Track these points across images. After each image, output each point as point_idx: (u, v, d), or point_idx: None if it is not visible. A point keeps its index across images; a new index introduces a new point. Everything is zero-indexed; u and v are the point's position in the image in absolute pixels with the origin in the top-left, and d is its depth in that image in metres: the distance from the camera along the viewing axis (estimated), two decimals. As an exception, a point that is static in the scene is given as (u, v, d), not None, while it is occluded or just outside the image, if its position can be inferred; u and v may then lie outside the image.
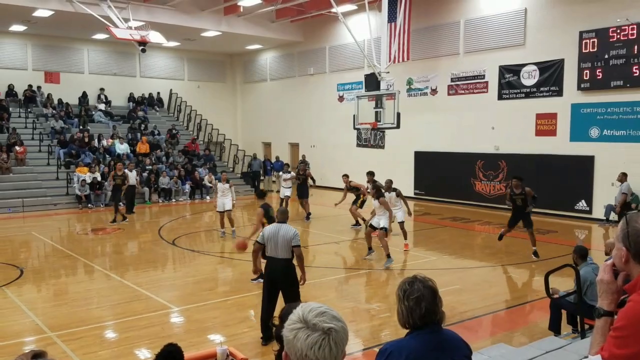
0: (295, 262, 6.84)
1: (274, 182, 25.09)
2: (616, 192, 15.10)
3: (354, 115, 15.72)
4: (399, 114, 14.36)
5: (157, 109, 27.64)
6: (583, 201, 16.59)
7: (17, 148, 20.58)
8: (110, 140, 22.97)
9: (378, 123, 14.90)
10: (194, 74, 29.09)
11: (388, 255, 11.14)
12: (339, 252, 12.70)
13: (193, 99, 28.10)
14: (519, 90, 17.95)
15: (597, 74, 15.85)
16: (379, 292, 9.73)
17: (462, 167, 19.41)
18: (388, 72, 15.66)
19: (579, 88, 16.35)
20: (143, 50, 18.13)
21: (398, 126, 14.66)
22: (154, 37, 18.22)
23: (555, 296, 6.66)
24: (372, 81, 15.21)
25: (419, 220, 15.98)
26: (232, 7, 22.02)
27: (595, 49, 15.79)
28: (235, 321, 7.86)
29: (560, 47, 16.70)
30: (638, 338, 1.89)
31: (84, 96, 25.48)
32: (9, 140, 20.98)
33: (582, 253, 6.73)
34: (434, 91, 20.52)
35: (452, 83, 19.88)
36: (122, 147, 22.67)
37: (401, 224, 12.64)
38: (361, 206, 15.06)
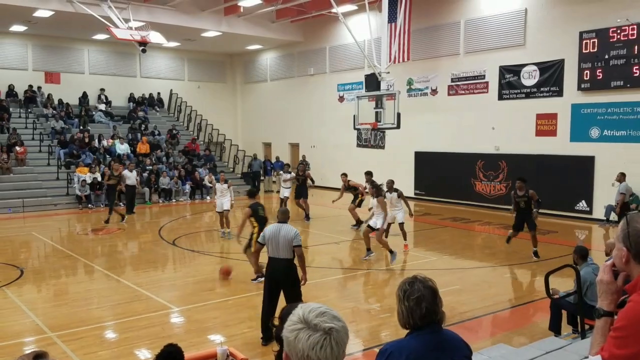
0: (296, 262, 6.84)
1: (274, 182, 25.10)
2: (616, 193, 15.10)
3: (354, 116, 15.72)
4: (399, 114, 14.36)
5: (158, 109, 27.65)
6: (583, 201, 16.58)
7: (18, 148, 20.58)
8: (111, 141, 22.97)
9: (378, 123, 14.90)
10: (194, 74, 29.10)
11: (391, 251, 11.16)
12: (339, 252, 12.70)
13: (193, 99, 28.11)
14: (519, 91, 17.95)
15: (598, 74, 15.85)
16: (379, 292, 9.73)
17: (463, 168, 19.41)
18: (388, 73, 15.65)
19: (579, 88, 16.35)
20: (143, 51, 18.14)
21: (398, 126, 14.65)
22: (154, 37, 18.24)
23: (556, 296, 6.66)
24: (372, 81, 15.21)
25: (419, 221, 15.97)
26: (233, 8, 22.03)
27: (596, 49, 15.79)
28: (236, 321, 7.86)
29: (560, 47, 16.70)
30: (638, 338, 1.89)
31: (84, 96, 25.49)
32: (9, 141, 20.99)
33: (582, 253, 6.73)
34: (434, 91, 20.52)
35: (453, 83, 19.88)
36: (122, 148, 22.67)
37: (401, 224, 12.63)
38: (359, 205, 15.08)
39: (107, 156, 22.01)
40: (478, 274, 10.59)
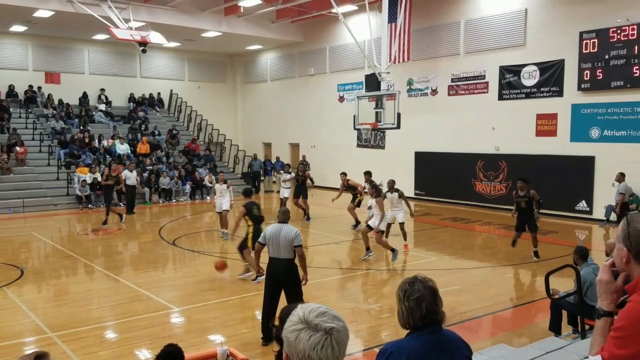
0: (297, 262, 6.85)
1: (274, 182, 25.10)
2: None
3: (354, 116, 15.73)
4: (399, 115, 14.36)
5: (158, 109, 27.65)
6: (583, 201, 16.58)
7: (18, 148, 20.58)
8: (111, 141, 22.98)
9: (378, 123, 14.90)
10: (194, 74, 29.10)
11: (392, 250, 11.17)
12: (339, 252, 12.70)
13: (193, 100, 28.12)
14: (519, 91, 17.95)
15: (598, 74, 15.85)
16: (379, 292, 9.73)
17: (463, 168, 19.41)
18: (388, 73, 15.65)
19: (579, 88, 16.35)
20: (143, 51, 18.13)
21: (398, 126, 14.65)
22: (155, 37, 18.24)
23: (556, 297, 6.66)
24: (372, 81, 15.21)
25: (419, 221, 15.97)
26: (233, 8, 22.04)
27: (596, 50, 15.79)
28: (236, 321, 7.86)
29: (560, 47, 16.70)
30: (638, 338, 1.89)
31: (84, 96, 25.49)
32: (9, 141, 21.00)
33: (582, 253, 6.72)
34: (434, 91, 20.52)
35: (453, 83, 19.88)
36: (122, 148, 22.68)
37: (401, 224, 12.63)
38: (358, 205, 15.07)
39: (107, 156, 22.01)
40: (478, 274, 10.59)
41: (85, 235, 15.09)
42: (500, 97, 18.48)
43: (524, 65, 17.71)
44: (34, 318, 7.82)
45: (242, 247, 9.91)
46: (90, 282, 10.25)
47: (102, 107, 25.59)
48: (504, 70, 18.30)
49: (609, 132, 15.92)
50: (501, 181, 18.56)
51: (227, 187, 14.38)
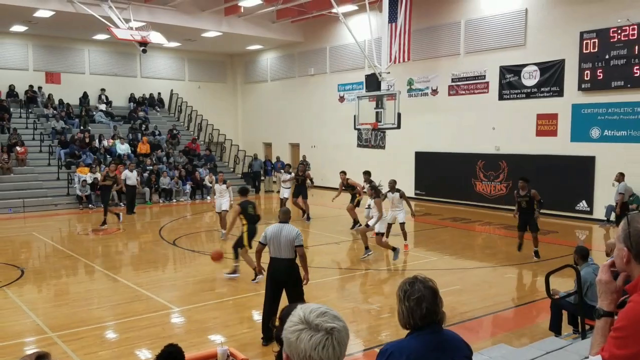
0: (298, 261, 6.86)
1: (274, 182, 25.09)
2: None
3: (354, 116, 15.73)
4: (399, 115, 14.36)
5: (158, 109, 27.66)
6: (584, 201, 16.58)
7: (18, 148, 20.59)
8: (111, 141, 22.98)
9: (379, 123, 14.90)
10: (194, 74, 29.11)
11: (393, 249, 11.18)
12: (339, 252, 12.69)
13: (194, 100, 28.12)
14: (519, 91, 17.94)
15: (598, 74, 15.84)
16: (379, 292, 9.73)
17: (463, 168, 19.41)
18: (389, 73, 15.64)
19: (579, 88, 16.35)
20: (144, 51, 18.14)
21: (399, 126, 14.65)
22: (155, 37, 18.24)
23: (556, 297, 6.66)
24: (372, 81, 15.21)
25: (420, 221, 15.97)
26: (233, 8, 22.04)
27: (596, 50, 15.78)
28: (236, 322, 7.86)
29: (560, 47, 16.69)
30: (638, 338, 1.89)
31: (84, 96, 25.49)
32: (9, 141, 21.00)
33: (583, 253, 6.72)
34: (434, 91, 20.52)
35: (453, 83, 19.88)
36: (122, 148, 22.68)
37: (402, 225, 12.64)
38: (357, 205, 15.06)
39: (108, 156, 22.02)
40: (478, 274, 10.59)
41: (85, 235, 15.09)
42: (501, 97, 18.48)
43: (524, 65, 17.71)
44: (35, 318, 7.83)
45: (237, 246, 9.94)
46: (91, 282, 10.26)
47: (103, 107, 25.60)
48: (504, 70, 18.29)
49: (610, 132, 15.92)
50: (501, 181, 18.56)
51: (227, 187, 14.39)
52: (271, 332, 6.15)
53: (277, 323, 3.65)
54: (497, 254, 12.33)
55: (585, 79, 16.15)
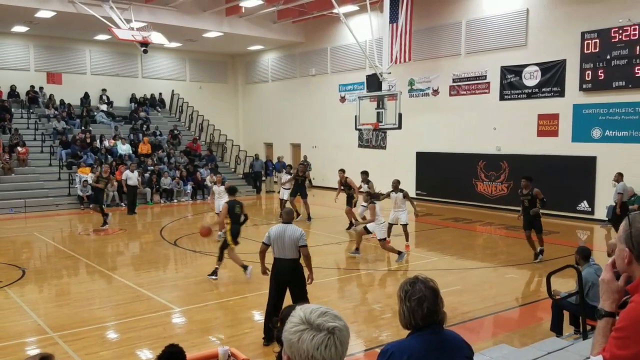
0: (302, 261, 6.87)
1: (275, 182, 25.10)
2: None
3: (355, 116, 15.73)
4: (400, 115, 14.36)
5: (159, 109, 27.68)
6: (585, 202, 16.56)
7: (20, 149, 20.61)
8: (112, 141, 23.00)
9: (380, 124, 14.89)
10: (195, 74, 29.12)
11: (399, 253, 11.20)
12: (340, 252, 12.69)
13: (195, 100, 28.13)
14: (520, 91, 17.93)
15: (599, 74, 15.83)
16: (380, 292, 9.73)
17: (464, 168, 19.40)
18: (390, 73, 15.65)
19: (580, 89, 16.34)
20: (145, 51, 18.15)
21: (400, 127, 14.65)
22: (156, 37, 18.26)
23: (557, 297, 6.65)
24: (373, 82, 15.21)
25: (421, 221, 15.95)
26: (234, 8, 22.05)
27: (597, 50, 15.77)
28: (237, 322, 7.87)
29: (562, 47, 16.68)
30: (639, 339, 1.89)
31: (85, 97, 25.51)
32: (11, 141, 21.02)
33: (584, 254, 6.71)
34: (435, 92, 20.51)
35: (454, 84, 19.87)
36: (124, 148, 22.69)
37: (404, 226, 12.64)
38: (355, 205, 15.02)
39: (109, 156, 22.04)
40: (479, 274, 10.58)
41: (86, 235, 15.10)
42: (502, 98, 18.47)
43: (525, 66, 17.70)
44: (36, 318, 7.83)
45: (223, 248, 9.98)
46: (92, 282, 10.26)
47: (104, 107, 25.62)
48: (505, 70, 18.28)
49: (611, 132, 15.91)
50: (502, 181, 18.55)
51: (225, 189, 14.39)
52: (272, 332, 6.16)
53: (277, 324, 3.65)
54: (498, 255, 12.33)
55: (587, 79, 16.14)
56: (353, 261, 11.78)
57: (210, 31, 23.08)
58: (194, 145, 25.27)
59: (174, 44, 25.44)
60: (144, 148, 23.25)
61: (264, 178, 25.27)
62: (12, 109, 23.19)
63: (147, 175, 21.16)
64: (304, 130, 26.40)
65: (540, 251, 11.28)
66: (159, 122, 26.32)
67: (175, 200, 21.42)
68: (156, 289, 9.42)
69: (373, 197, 11.70)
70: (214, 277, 9.89)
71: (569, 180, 16.51)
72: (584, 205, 16.59)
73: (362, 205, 12.79)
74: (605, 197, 15.82)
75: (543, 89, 17.30)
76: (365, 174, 14.59)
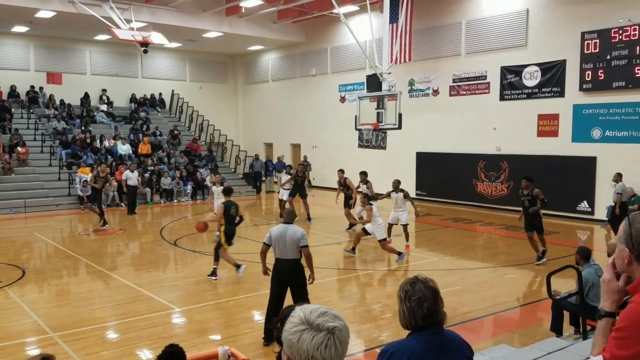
0: (303, 262, 6.88)
1: (275, 182, 25.10)
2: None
3: (355, 116, 15.72)
4: (400, 115, 14.35)
5: (159, 109, 27.69)
6: (585, 202, 16.56)
7: (20, 149, 20.61)
8: (112, 141, 23.00)
9: (380, 124, 14.88)
10: (195, 74, 29.13)
11: (399, 254, 11.21)
12: (340, 252, 12.68)
13: (195, 100, 28.14)
14: (520, 91, 17.93)
15: (599, 74, 15.83)
16: (380, 293, 9.73)
17: (464, 168, 19.40)
18: (390, 73, 15.65)
19: (580, 89, 16.34)
20: (145, 51, 18.15)
21: (400, 127, 14.64)
22: (156, 38, 18.26)
23: (557, 297, 6.65)
24: (373, 82, 15.21)
25: (421, 221, 15.96)
26: (234, 8, 22.05)
27: (597, 50, 15.77)
28: (237, 322, 7.87)
29: (562, 47, 16.69)
30: (639, 339, 1.89)
31: (85, 97, 25.51)
32: (11, 141, 21.03)
33: (585, 254, 6.71)
34: (435, 92, 20.51)
35: (454, 84, 19.87)
36: (124, 148, 22.70)
37: (405, 226, 12.64)
38: (353, 206, 15.00)
39: (109, 157, 22.04)
40: (479, 274, 10.58)
41: (86, 235, 15.10)
42: (502, 98, 18.47)
43: (525, 66, 17.70)
44: (36, 318, 7.83)
45: (218, 248, 10.01)
46: (92, 282, 10.26)
47: (104, 107, 25.62)
48: (505, 70, 18.29)
49: (611, 132, 15.91)
50: (502, 182, 18.55)
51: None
52: (272, 332, 6.16)
53: (277, 324, 3.65)
54: (498, 255, 12.33)
55: (587, 79, 16.14)
56: (353, 261, 11.79)
57: (210, 31, 23.08)
58: (194, 146, 25.27)
59: (174, 44, 25.44)
60: (144, 148, 23.25)
61: (264, 178, 25.28)
62: (12, 109, 23.19)
63: (147, 175, 21.17)
64: (304, 130, 26.40)
65: (542, 252, 11.17)
66: (159, 122, 26.32)
67: (175, 201, 21.42)
68: (156, 289, 9.42)
69: (370, 198, 11.72)
70: (213, 277, 9.90)
71: (569, 180, 16.51)
72: (584, 205, 16.59)
73: (360, 206, 12.80)
74: (605, 197, 15.80)
75: (543, 89, 17.30)
76: (364, 174, 14.57)
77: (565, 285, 7.93)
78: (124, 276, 10.36)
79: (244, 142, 29.10)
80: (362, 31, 19.10)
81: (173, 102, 28.29)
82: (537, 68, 17.39)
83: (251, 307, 8.49)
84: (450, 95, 20.01)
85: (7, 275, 10.21)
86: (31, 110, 23.56)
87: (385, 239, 11.50)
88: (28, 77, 24.40)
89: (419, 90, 21.04)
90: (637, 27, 14.93)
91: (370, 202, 11.49)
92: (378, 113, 14.77)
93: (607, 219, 15.42)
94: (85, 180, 19.44)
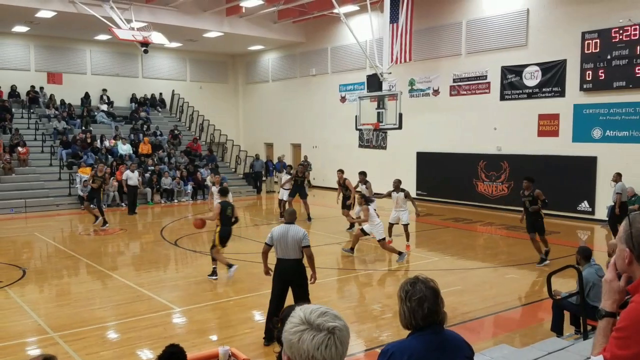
0: (305, 262, 6.89)
1: (275, 182, 25.10)
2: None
3: (356, 116, 15.71)
4: (401, 115, 14.35)
5: (160, 109, 27.69)
6: (585, 202, 16.56)
7: (20, 149, 20.62)
8: (113, 141, 23.01)
9: (380, 124, 14.88)
10: (196, 74, 29.13)
11: (399, 253, 11.21)
12: (340, 252, 12.68)
13: (195, 100, 28.14)
14: (521, 91, 17.93)
15: (600, 74, 15.83)
16: (380, 293, 9.73)
17: (464, 168, 19.40)
18: (390, 73, 15.65)
19: (581, 89, 16.33)
20: (145, 51, 18.16)
21: (400, 127, 14.64)
22: (156, 37, 18.26)
23: (558, 297, 6.65)
24: (374, 82, 15.21)
25: (421, 221, 15.96)
26: (234, 8, 22.05)
27: (598, 50, 15.77)
28: (237, 322, 7.86)
29: (562, 47, 16.68)
30: (639, 339, 1.89)
31: (86, 97, 25.52)
32: (11, 141, 21.03)
33: (585, 254, 6.71)
34: (436, 92, 20.51)
35: (454, 84, 19.87)
36: (124, 148, 22.70)
37: (405, 226, 12.64)
38: (352, 207, 14.98)
39: (109, 156, 22.05)
40: (480, 274, 10.58)
41: (87, 235, 15.10)
42: (502, 98, 18.46)
43: (525, 66, 17.69)
44: (36, 318, 7.83)
45: (213, 248, 10.02)
46: (92, 282, 10.26)
47: (104, 107, 25.63)
48: (505, 70, 18.28)
49: (611, 132, 15.90)
50: (503, 181, 18.54)
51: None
52: (273, 332, 6.16)
53: (278, 324, 3.65)
54: (499, 255, 12.33)
55: (587, 79, 16.14)
56: (353, 261, 11.79)
57: (210, 31, 23.08)
58: (195, 145, 25.27)
59: (175, 44, 25.44)
60: (145, 148, 23.26)
61: (264, 178, 25.28)
62: (13, 109, 23.20)
63: (147, 175, 21.17)
64: (305, 130, 26.40)
65: (546, 253, 11.08)
66: (159, 122, 26.32)
67: (176, 201, 21.43)
68: (157, 289, 9.42)
69: (366, 199, 11.72)
70: (214, 277, 9.90)
71: (569, 180, 16.51)
72: (584, 205, 16.59)
73: (359, 206, 12.81)
74: (605, 197, 15.79)
75: (543, 89, 17.30)
76: (363, 174, 14.55)
77: (565, 285, 7.93)
78: (125, 276, 10.36)
79: (244, 142, 29.10)
80: (363, 31, 19.10)
81: (173, 102, 28.30)
82: (537, 68, 17.39)
83: (251, 307, 8.48)
84: (451, 95, 20.00)
85: (7, 275, 10.22)
86: (32, 110, 23.57)
87: (384, 239, 11.49)
88: (28, 77, 24.41)
89: (420, 90, 21.04)
90: (637, 27, 14.92)
91: (368, 202, 11.50)
92: (378, 113, 14.77)
93: (607, 218, 15.42)
94: (86, 180, 19.45)
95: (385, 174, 17.66)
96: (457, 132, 19.62)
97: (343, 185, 15.18)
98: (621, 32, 15.22)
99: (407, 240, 12.62)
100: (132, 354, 6.65)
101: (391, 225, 12.85)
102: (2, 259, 11.68)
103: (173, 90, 28.20)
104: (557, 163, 16.85)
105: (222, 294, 9.27)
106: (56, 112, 23.95)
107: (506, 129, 18.31)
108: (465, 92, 19.57)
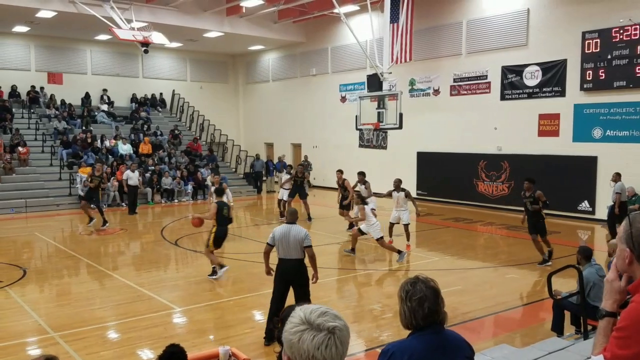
0: (306, 262, 6.89)
1: (276, 182, 25.10)
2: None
3: (356, 116, 15.72)
4: (401, 115, 14.35)
5: (160, 109, 27.70)
6: (586, 202, 16.55)
7: (20, 149, 20.62)
8: (113, 141, 23.02)
9: (380, 124, 14.88)
10: (196, 74, 29.14)
11: (399, 252, 11.21)
12: (340, 252, 12.68)
13: (195, 100, 28.14)
14: (521, 91, 17.93)
15: (600, 74, 15.82)
16: (380, 292, 9.72)
17: (465, 168, 19.39)
18: (390, 73, 15.64)
19: (581, 88, 16.33)
20: (146, 51, 18.16)
21: (400, 127, 14.64)
22: (157, 37, 18.26)
23: (558, 297, 6.65)
24: (374, 82, 15.21)
25: (421, 221, 15.95)
26: (235, 8, 22.05)
27: (598, 50, 15.76)
28: (238, 322, 7.86)
29: (562, 47, 16.68)
30: (640, 339, 1.89)
31: (86, 97, 25.53)
32: (12, 141, 21.04)
33: (586, 254, 6.71)
34: (436, 92, 20.51)
35: (455, 83, 19.86)
36: (124, 148, 22.71)
37: (406, 226, 12.63)
38: (352, 208, 14.95)
39: (110, 156, 22.06)
40: (480, 274, 10.58)
41: (87, 235, 15.10)
42: (503, 97, 18.46)
43: (526, 65, 17.69)
44: (37, 318, 7.84)
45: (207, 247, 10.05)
46: (92, 282, 10.27)
47: (105, 107, 25.63)
48: (506, 70, 18.28)
49: (612, 132, 15.90)
50: (503, 181, 18.54)
51: (224, 189, 14.38)
52: (273, 332, 6.16)
53: (278, 324, 3.65)
54: (499, 255, 12.32)
55: (587, 79, 16.13)
56: (353, 261, 11.79)
57: (210, 31, 23.08)
58: (195, 145, 25.28)
59: (175, 44, 25.44)
60: (145, 148, 23.26)
61: (264, 178, 25.28)
62: (13, 109, 23.21)
63: (147, 175, 21.17)
64: (305, 130, 26.40)
65: (549, 253, 11.05)
66: (159, 122, 26.33)
67: (176, 200, 21.43)
68: (157, 288, 9.42)
69: (362, 199, 11.73)
70: (214, 276, 9.90)
71: (569, 180, 16.50)
72: (584, 205, 16.58)
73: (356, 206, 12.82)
74: (606, 197, 15.77)
75: (544, 89, 17.29)
76: (362, 174, 14.52)
77: (566, 285, 7.93)
78: (125, 276, 10.36)
79: (244, 142, 29.10)
80: (363, 31, 19.10)
81: (174, 102, 28.30)
82: (537, 68, 17.38)
83: (252, 307, 8.48)
84: (451, 95, 20.00)
85: (8, 275, 10.22)
86: (32, 110, 23.58)
87: (382, 237, 11.48)
88: (29, 77, 24.42)
89: (420, 90, 21.03)
90: (637, 26, 14.92)
91: (364, 202, 11.51)
92: (379, 113, 14.77)
93: (607, 218, 15.41)
94: (85, 180, 19.46)
95: (386, 173, 17.66)
96: (458, 132, 19.61)
97: (342, 186, 15.17)
98: (621, 31, 15.22)
99: (408, 240, 12.62)
100: (132, 353, 6.65)
101: (392, 225, 12.84)
102: (3, 258, 11.68)
103: (173, 90, 28.20)
104: (558, 163, 16.85)
105: (222, 294, 9.27)
106: (56, 112, 23.96)
107: (506, 129, 18.31)
108: (465, 92, 19.57)
